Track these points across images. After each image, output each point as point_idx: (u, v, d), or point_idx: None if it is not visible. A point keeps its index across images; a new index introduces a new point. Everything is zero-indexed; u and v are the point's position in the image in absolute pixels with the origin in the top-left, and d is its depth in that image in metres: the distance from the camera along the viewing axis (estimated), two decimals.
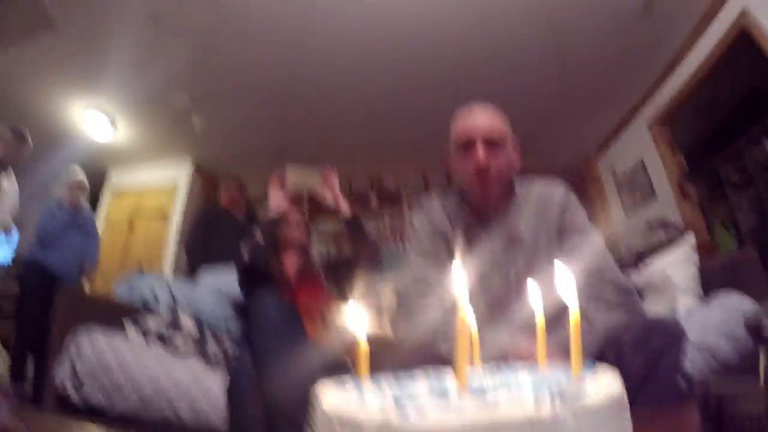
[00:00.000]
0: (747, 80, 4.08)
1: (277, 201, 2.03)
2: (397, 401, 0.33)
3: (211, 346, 1.91)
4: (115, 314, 1.96)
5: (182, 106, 4.04)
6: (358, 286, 2.33)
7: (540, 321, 0.48)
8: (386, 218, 5.51)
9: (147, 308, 2.10)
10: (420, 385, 0.41)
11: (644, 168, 4.76)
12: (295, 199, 2.15)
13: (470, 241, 1.30)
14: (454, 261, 1.22)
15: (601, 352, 1.00)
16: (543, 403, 0.32)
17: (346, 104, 4.36)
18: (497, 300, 1.23)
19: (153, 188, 5.13)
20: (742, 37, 3.31)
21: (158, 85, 3.84)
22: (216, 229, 3.57)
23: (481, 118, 1.30)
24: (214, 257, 3.42)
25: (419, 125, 4.77)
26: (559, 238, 1.27)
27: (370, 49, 3.68)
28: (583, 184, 5.45)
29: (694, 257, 2.38)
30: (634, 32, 3.61)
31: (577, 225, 1.29)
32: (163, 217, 4.96)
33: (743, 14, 3.23)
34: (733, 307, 1.79)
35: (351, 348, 1.04)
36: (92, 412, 1.47)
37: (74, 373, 1.52)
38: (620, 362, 0.89)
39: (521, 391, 0.35)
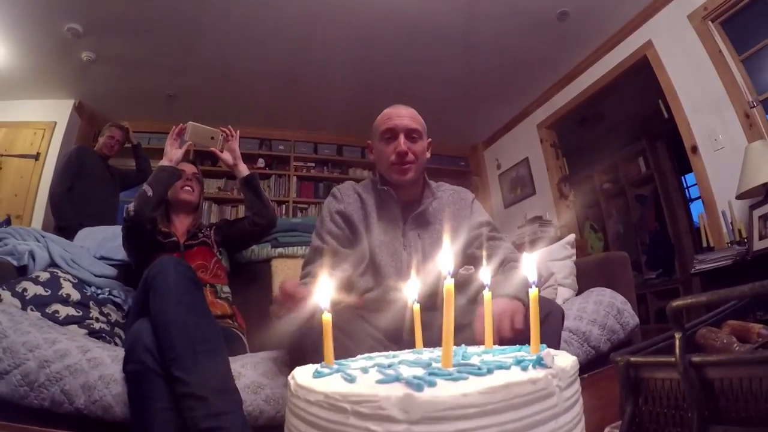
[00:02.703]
0: (634, 104, 4.49)
1: (173, 153, 1.88)
2: (398, 377, 0.33)
3: (94, 314, 1.76)
4: None
5: (71, 36, 3.60)
6: (249, 246, 2.27)
7: (488, 298, 0.49)
8: (273, 180, 5.54)
9: (21, 267, 1.86)
10: (394, 363, 0.41)
11: (528, 165, 5.09)
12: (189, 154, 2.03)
13: (384, 220, 1.52)
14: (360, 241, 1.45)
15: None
16: (529, 369, 0.34)
17: (243, 63, 4.17)
18: (405, 274, 1.43)
19: (29, 123, 4.51)
20: (640, 65, 3.67)
21: (47, 7, 3.39)
22: (81, 177, 3.29)
23: (404, 115, 1.52)
24: (79, 208, 3.16)
25: (314, 98, 4.77)
26: (470, 230, 1.54)
27: (278, 15, 3.56)
28: (468, 172, 5.74)
29: (572, 253, 2.60)
30: (544, 38, 3.83)
31: (485, 221, 1.56)
32: (37, 156, 4.40)
33: (648, 45, 3.58)
34: (606, 301, 2.00)
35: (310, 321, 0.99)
36: None
37: None
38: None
39: (499, 363, 0.36)
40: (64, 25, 3.51)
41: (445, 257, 0.38)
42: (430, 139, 1.59)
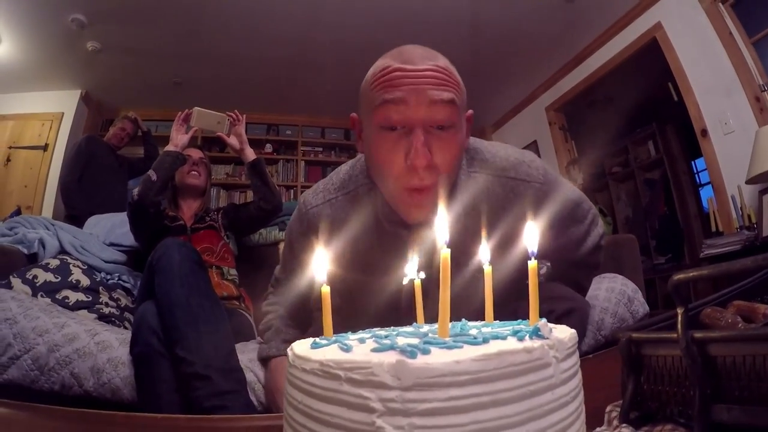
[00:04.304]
0: (643, 86, 4.43)
1: (179, 139, 1.88)
2: (393, 345, 0.33)
3: (104, 299, 1.78)
4: None
5: (76, 26, 3.60)
6: (257, 230, 2.28)
7: (488, 272, 0.49)
8: (281, 165, 5.59)
9: (31, 255, 1.89)
10: (391, 335, 0.41)
11: (537, 148, 5.06)
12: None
13: (385, 250, 0.96)
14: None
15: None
16: (526, 340, 0.35)
17: (250, 49, 4.16)
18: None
19: (36, 115, 4.53)
20: (649, 47, 3.61)
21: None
22: (90, 166, 3.33)
23: (426, 76, 0.80)
24: (89, 196, 3.19)
25: (321, 83, 4.76)
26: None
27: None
28: None
29: None
30: (552, 19, 3.77)
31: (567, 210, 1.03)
32: (45, 147, 4.44)
33: (657, 26, 3.53)
34: (618, 288, 1.98)
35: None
36: None
37: None
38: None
39: (495, 334, 0.36)
40: (68, 15, 3.51)
41: (442, 225, 0.37)
42: (470, 111, 0.92)
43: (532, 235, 0.44)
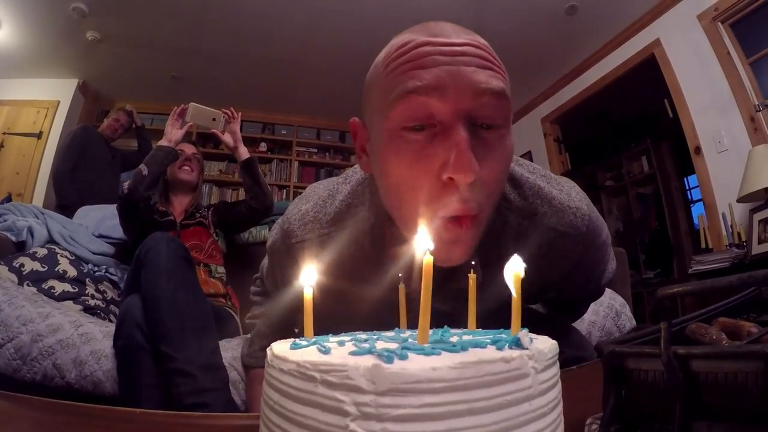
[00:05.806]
0: (639, 102, 4.46)
1: (173, 134, 1.87)
2: (371, 349, 0.32)
3: (90, 291, 1.77)
4: None
5: (76, 15, 3.59)
6: (247, 229, 2.27)
7: (472, 277, 0.49)
8: (274, 165, 5.60)
9: (19, 243, 1.87)
10: (370, 339, 0.41)
11: (531, 159, 5.09)
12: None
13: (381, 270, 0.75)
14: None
15: None
16: (505, 349, 0.34)
17: (249, 47, 4.17)
18: None
19: (32, 102, 4.51)
20: (647, 63, 3.65)
21: None
22: (84, 156, 3.30)
23: (465, 63, 0.55)
24: (81, 187, 3.17)
25: (318, 84, 4.79)
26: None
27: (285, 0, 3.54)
28: None
29: None
30: (552, 32, 3.80)
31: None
32: (39, 135, 4.41)
33: (656, 43, 3.57)
34: (606, 302, 1.98)
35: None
36: None
37: None
38: None
39: (475, 342, 0.36)
40: (69, 4, 3.50)
41: (422, 234, 0.37)
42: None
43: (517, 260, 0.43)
